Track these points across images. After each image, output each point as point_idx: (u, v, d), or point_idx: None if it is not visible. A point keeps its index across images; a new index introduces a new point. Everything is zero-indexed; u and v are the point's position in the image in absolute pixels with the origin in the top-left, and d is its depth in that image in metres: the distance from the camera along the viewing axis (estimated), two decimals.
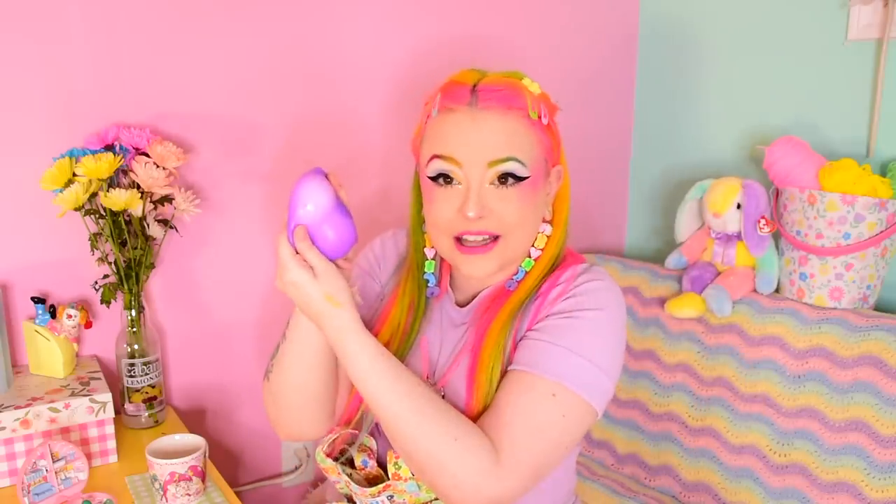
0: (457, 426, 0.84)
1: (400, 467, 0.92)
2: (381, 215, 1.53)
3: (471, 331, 0.95)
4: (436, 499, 0.93)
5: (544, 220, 0.97)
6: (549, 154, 0.93)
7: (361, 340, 0.85)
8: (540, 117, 0.90)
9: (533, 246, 0.96)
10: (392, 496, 0.94)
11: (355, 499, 0.98)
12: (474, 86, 0.89)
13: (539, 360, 0.86)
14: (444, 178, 0.90)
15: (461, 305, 1.00)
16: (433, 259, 1.00)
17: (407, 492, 0.93)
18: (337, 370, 0.99)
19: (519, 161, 0.88)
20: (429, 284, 1.00)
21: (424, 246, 1.01)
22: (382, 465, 0.98)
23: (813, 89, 1.47)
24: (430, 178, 0.91)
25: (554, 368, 0.85)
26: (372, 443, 0.99)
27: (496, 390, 0.88)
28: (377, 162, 1.52)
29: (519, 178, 0.89)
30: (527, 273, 0.96)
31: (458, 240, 0.90)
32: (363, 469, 0.98)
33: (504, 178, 0.88)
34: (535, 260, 0.96)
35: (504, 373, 0.90)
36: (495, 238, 0.90)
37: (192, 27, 1.31)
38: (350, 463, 0.99)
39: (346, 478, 0.95)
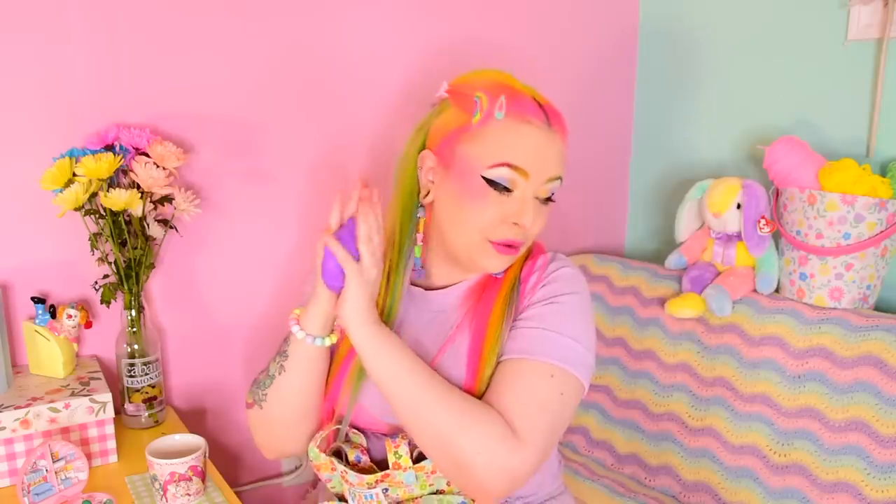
0: (473, 409, 0.87)
1: (400, 457, 0.93)
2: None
3: (465, 318, 0.97)
4: (431, 493, 0.93)
5: None
6: None
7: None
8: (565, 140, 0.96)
9: None
10: (387, 489, 0.94)
11: (348, 495, 0.98)
12: (539, 104, 0.93)
13: (533, 346, 0.92)
14: (504, 187, 0.92)
15: (428, 290, 1.02)
16: (420, 244, 1.02)
17: (404, 483, 0.93)
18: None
19: (562, 180, 0.95)
20: (415, 267, 1.02)
21: (417, 231, 1.01)
22: (374, 461, 0.99)
23: (813, 89, 1.47)
24: (487, 179, 0.92)
25: (549, 351, 0.91)
26: (361, 438, 1.01)
27: (494, 377, 0.92)
28: (377, 161, 1.52)
29: (551, 198, 0.96)
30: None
31: (492, 242, 0.94)
32: (357, 465, 0.99)
33: (548, 198, 0.95)
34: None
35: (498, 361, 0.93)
36: (520, 244, 0.95)
37: (192, 27, 1.31)
38: (342, 460, 1.00)
39: (343, 467, 0.95)
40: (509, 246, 0.93)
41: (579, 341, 0.93)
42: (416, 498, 0.95)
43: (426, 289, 1.03)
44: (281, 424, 1.01)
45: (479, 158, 0.92)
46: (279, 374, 0.99)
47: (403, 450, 0.94)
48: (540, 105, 0.93)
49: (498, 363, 0.93)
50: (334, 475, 0.97)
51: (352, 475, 0.95)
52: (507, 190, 0.91)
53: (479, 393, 0.92)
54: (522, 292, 0.97)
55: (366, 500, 0.95)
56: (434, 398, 0.88)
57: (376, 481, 0.94)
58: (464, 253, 0.96)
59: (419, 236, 1.01)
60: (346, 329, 0.92)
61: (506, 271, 0.99)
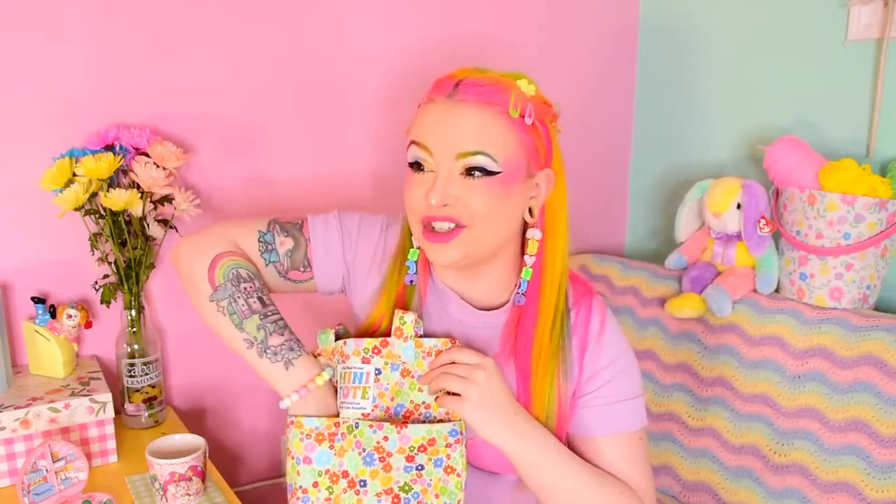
0: (619, 490, 0.95)
1: (405, 323, 0.92)
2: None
3: (504, 347, 0.97)
4: (420, 422, 0.92)
5: (532, 226, 0.96)
6: (532, 155, 0.92)
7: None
8: (523, 116, 0.90)
9: (526, 253, 0.96)
10: (380, 371, 0.92)
11: (338, 378, 0.95)
12: (459, 81, 0.90)
13: (617, 420, 0.97)
14: (417, 165, 0.91)
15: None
16: (417, 248, 1.00)
17: (401, 358, 0.92)
18: None
19: (489, 156, 0.88)
20: (409, 271, 0.99)
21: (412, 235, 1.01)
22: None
23: (813, 89, 1.47)
24: (408, 163, 0.92)
25: (630, 420, 0.98)
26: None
27: (595, 454, 0.97)
28: (376, 160, 1.52)
29: (488, 172, 0.88)
30: (529, 284, 0.96)
31: (428, 227, 0.91)
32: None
33: (472, 170, 0.88)
34: (532, 268, 0.96)
35: (559, 401, 0.95)
36: (461, 227, 0.90)
37: (191, 27, 1.31)
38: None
39: (342, 342, 0.94)
40: (433, 231, 0.90)
41: (640, 393, 1.00)
42: (404, 404, 0.93)
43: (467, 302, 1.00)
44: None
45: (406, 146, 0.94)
46: (244, 342, 0.93)
47: (410, 318, 0.93)
48: (457, 81, 0.90)
49: (588, 437, 0.97)
50: (333, 361, 0.95)
51: (350, 343, 0.93)
52: (420, 167, 0.91)
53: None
54: (582, 361, 0.97)
55: (353, 384, 0.93)
56: (582, 485, 0.93)
57: (374, 347, 0.92)
58: (420, 246, 0.96)
59: (415, 241, 1.00)
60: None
61: (538, 301, 0.96)
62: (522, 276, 0.96)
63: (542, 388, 0.94)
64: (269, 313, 0.96)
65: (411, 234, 0.99)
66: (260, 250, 1.01)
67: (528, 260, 0.96)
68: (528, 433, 0.91)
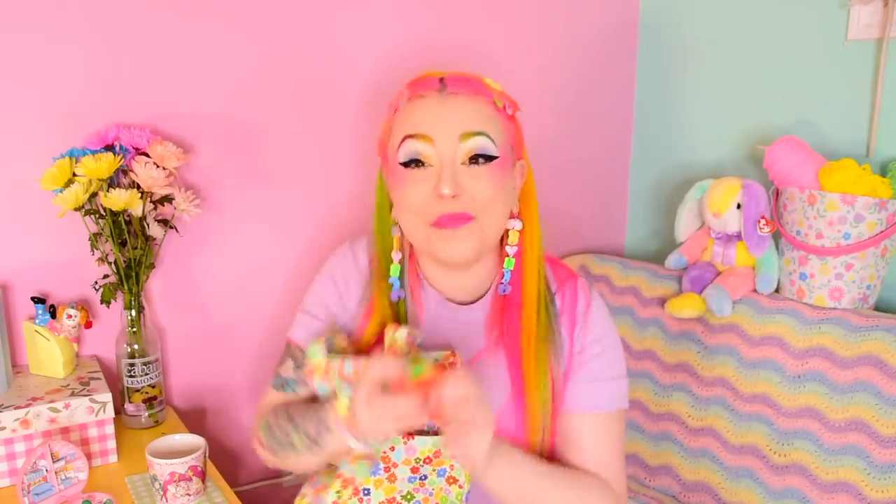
0: (587, 485, 0.94)
1: (396, 341, 0.91)
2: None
3: (490, 342, 0.96)
4: (423, 433, 0.91)
5: (512, 216, 0.97)
6: (514, 144, 0.95)
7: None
8: (504, 107, 0.93)
9: (508, 244, 0.97)
10: None
11: (338, 389, 0.92)
12: (442, 77, 0.92)
13: (598, 400, 0.97)
14: (415, 163, 0.90)
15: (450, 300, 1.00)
16: (398, 263, 0.99)
17: None
18: None
19: (489, 137, 0.89)
20: (393, 288, 0.98)
21: (392, 249, 0.99)
22: None
23: (813, 89, 1.47)
24: (401, 164, 0.91)
25: (611, 400, 0.97)
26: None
27: (574, 432, 0.96)
28: (375, 160, 1.52)
29: (489, 158, 0.90)
30: (512, 273, 0.97)
31: (436, 222, 0.90)
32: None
33: (475, 157, 0.89)
34: (514, 257, 0.97)
35: (553, 385, 0.95)
36: (469, 218, 0.90)
37: (191, 27, 1.31)
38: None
39: (339, 358, 0.92)
40: (451, 220, 0.89)
41: (624, 374, 0.99)
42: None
43: (449, 298, 1.00)
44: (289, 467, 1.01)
45: (392, 149, 0.93)
46: (306, 451, 0.92)
47: (402, 335, 0.90)
48: (440, 78, 0.92)
49: (567, 414, 0.96)
50: (326, 378, 0.92)
51: (348, 363, 0.90)
52: (420, 163, 0.90)
53: (535, 429, 0.95)
54: (571, 340, 0.97)
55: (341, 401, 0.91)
56: (560, 492, 0.93)
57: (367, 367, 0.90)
58: (425, 249, 0.94)
59: (395, 255, 0.99)
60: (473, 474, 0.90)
61: (521, 290, 0.96)
62: (506, 266, 0.97)
63: (534, 374, 0.94)
64: (294, 415, 0.95)
65: (383, 251, 0.99)
66: (276, 388, 1.02)
67: (510, 250, 0.97)
68: (498, 458, 0.88)
